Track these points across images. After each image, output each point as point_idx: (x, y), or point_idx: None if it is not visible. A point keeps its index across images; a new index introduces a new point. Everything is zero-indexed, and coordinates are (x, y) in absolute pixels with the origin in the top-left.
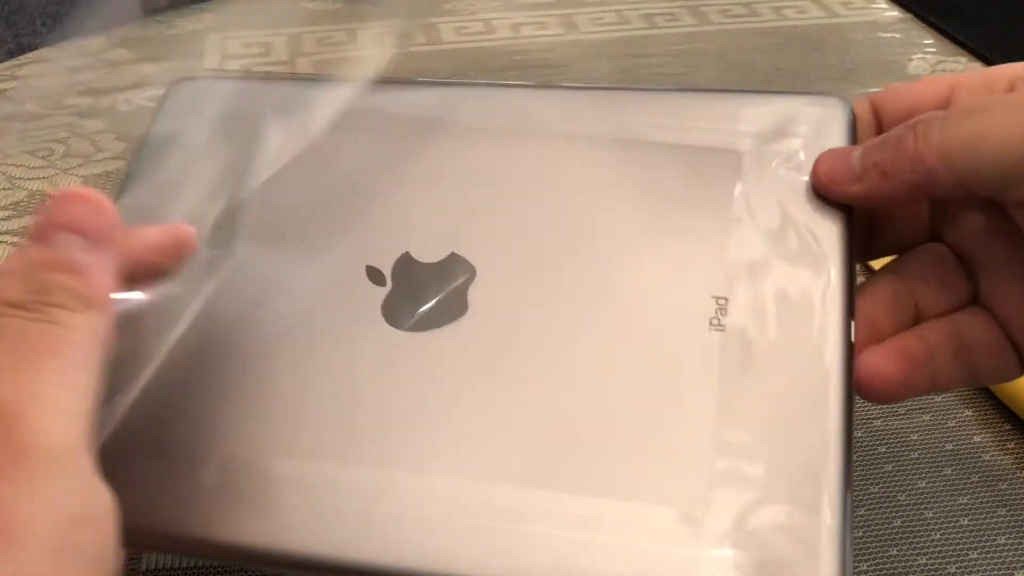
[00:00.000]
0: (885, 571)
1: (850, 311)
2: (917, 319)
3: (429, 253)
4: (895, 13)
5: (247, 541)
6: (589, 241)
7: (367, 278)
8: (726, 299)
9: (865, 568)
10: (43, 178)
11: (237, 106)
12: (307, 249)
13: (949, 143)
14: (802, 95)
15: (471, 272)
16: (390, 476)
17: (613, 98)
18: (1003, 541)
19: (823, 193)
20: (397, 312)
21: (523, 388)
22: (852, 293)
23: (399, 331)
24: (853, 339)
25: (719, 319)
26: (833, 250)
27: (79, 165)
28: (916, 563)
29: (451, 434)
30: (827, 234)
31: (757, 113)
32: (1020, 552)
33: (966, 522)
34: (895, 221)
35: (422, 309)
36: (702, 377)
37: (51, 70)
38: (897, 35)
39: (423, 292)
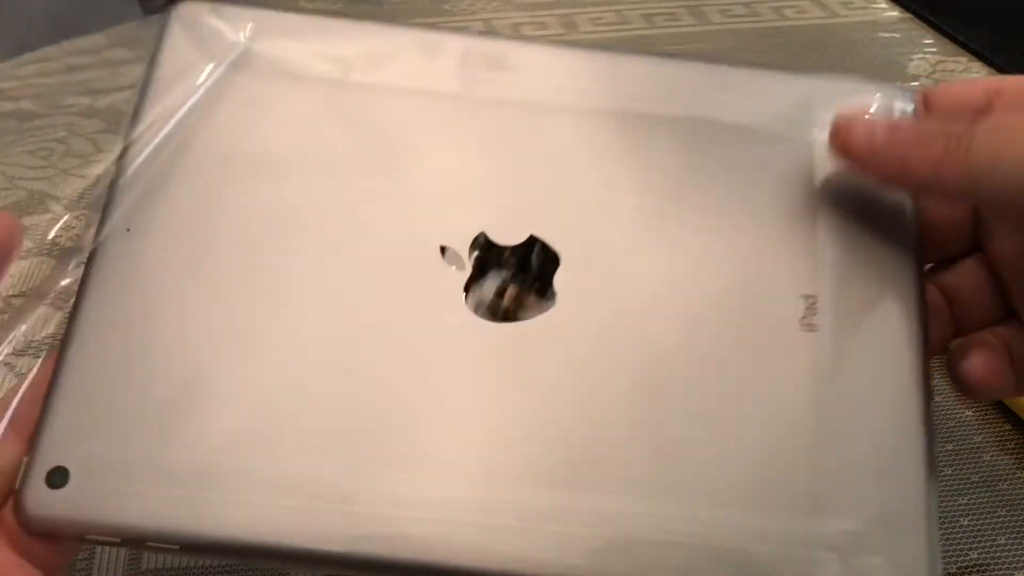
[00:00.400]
0: None
1: (924, 309)
2: (956, 331)
3: (507, 235)
4: (895, 13)
5: (373, 547)
6: (672, 234)
7: (442, 259)
8: (815, 297)
9: None
10: (43, 178)
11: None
12: (370, 227)
13: (972, 159)
14: (865, 82)
15: (555, 258)
16: (485, 485)
17: (686, 70)
18: (1003, 541)
19: (836, 156)
20: (479, 299)
21: (618, 391)
22: (923, 291)
23: (484, 321)
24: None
25: (809, 319)
26: (906, 246)
27: (79, 165)
28: None
29: (553, 440)
30: (899, 230)
31: (828, 101)
32: (1020, 552)
33: (966, 522)
34: (939, 231)
35: (506, 297)
36: (798, 379)
37: (51, 70)
38: (897, 35)
39: (505, 278)
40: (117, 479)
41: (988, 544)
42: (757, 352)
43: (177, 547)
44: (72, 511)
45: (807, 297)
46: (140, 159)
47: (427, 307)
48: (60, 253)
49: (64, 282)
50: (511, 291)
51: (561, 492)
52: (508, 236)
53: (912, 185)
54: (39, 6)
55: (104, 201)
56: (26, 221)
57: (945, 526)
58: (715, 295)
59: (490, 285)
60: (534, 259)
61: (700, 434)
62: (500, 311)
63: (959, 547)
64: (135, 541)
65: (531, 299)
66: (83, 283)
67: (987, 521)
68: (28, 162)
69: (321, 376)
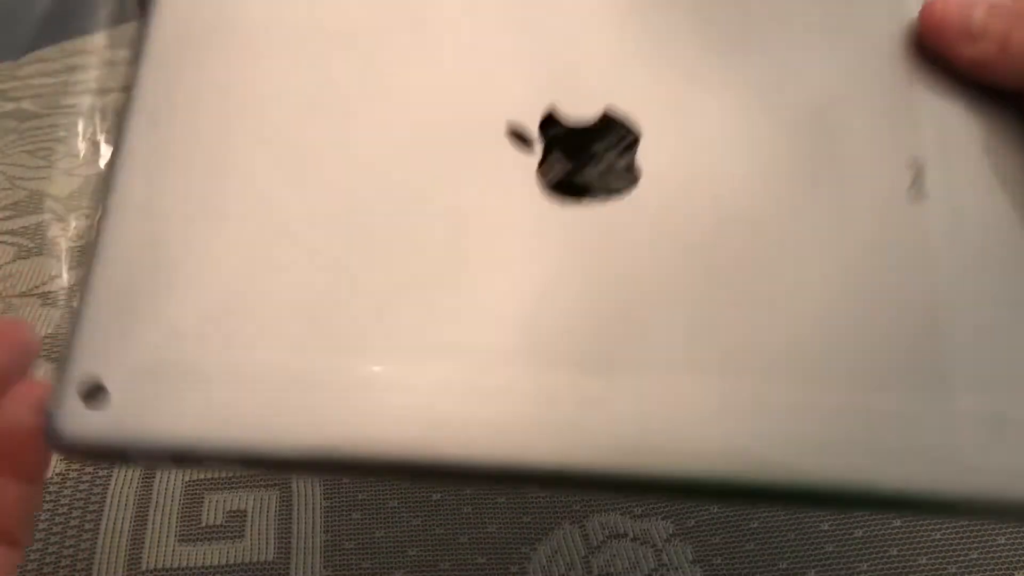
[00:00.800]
0: (885, 571)
1: None
2: None
3: (578, 108)
4: None
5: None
6: (757, 103)
7: (507, 138)
8: (922, 161)
9: (865, 568)
10: (43, 178)
11: None
12: (425, 102)
13: None
14: None
15: (635, 134)
16: (569, 378)
17: None
18: (1003, 541)
19: (924, 43)
20: (552, 181)
21: (715, 275)
22: None
23: (557, 205)
24: None
25: (918, 185)
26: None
27: (79, 165)
28: (916, 563)
29: (654, 323)
30: None
31: None
32: (1020, 552)
33: (966, 522)
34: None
35: (582, 178)
36: (911, 250)
37: (51, 70)
38: None
39: (579, 158)
40: (164, 388)
41: (988, 544)
42: (863, 224)
43: (237, 461)
44: (114, 429)
45: (913, 160)
46: (158, 45)
47: (493, 189)
48: (60, 253)
49: (65, 282)
50: (588, 170)
51: (664, 380)
52: (579, 109)
53: (1012, 74)
54: (39, 6)
55: (123, 97)
56: (26, 221)
57: (945, 526)
58: (812, 166)
59: (562, 164)
60: (611, 135)
61: (809, 317)
62: (574, 191)
63: (959, 547)
64: (190, 458)
65: (611, 177)
66: (106, 181)
67: (988, 521)
68: (28, 162)
69: (373, 265)
